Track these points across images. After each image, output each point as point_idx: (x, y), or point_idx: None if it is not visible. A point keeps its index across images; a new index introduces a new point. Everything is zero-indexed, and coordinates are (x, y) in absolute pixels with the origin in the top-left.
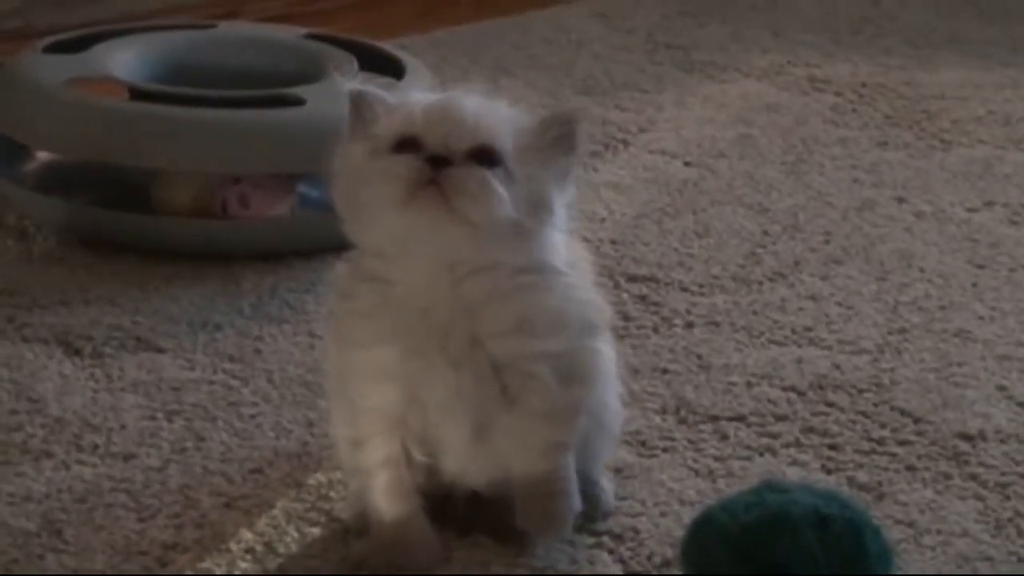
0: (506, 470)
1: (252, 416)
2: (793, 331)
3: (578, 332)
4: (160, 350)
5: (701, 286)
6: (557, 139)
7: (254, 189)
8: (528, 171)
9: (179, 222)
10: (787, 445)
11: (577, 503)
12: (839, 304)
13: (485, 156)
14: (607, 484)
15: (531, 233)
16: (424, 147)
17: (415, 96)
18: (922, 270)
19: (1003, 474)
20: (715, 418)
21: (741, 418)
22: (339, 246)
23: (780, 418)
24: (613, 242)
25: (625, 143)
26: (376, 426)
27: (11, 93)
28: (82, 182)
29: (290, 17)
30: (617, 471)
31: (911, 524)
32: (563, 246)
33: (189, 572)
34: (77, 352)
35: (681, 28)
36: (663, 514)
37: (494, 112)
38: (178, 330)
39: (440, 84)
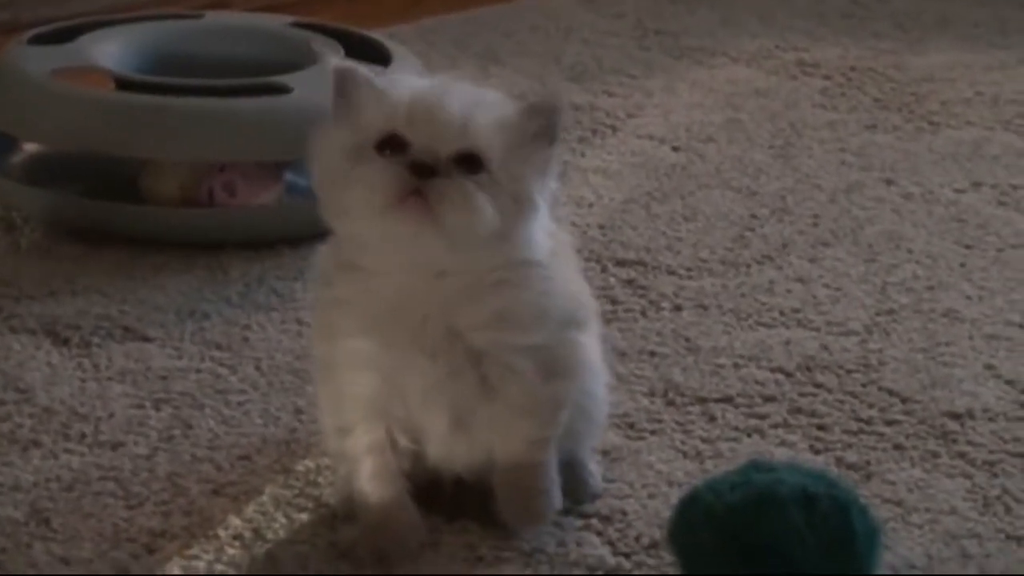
0: (489, 458)
1: (240, 403)
2: (781, 313)
3: (558, 326)
4: (148, 339)
5: (689, 269)
6: (539, 131)
7: (241, 177)
8: (512, 171)
9: (166, 211)
10: (775, 426)
11: (558, 500)
12: (827, 286)
13: (470, 162)
14: (595, 466)
15: (512, 233)
16: (408, 147)
17: (402, 81)
18: (910, 251)
19: (991, 452)
20: (703, 400)
21: (729, 400)
22: (326, 234)
23: (768, 399)
24: (601, 227)
25: (614, 128)
26: (360, 413)
27: None
28: (69, 173)
29: (278, 7)
30: (605, 453)
31: (899, 503)
32: (546, 236)
33: (177, 559)
34: (65, 342)
35: (670, 14)
36: (651, 496)
37: (480, 107)
38: (166, 319)
39: (428, 72)
